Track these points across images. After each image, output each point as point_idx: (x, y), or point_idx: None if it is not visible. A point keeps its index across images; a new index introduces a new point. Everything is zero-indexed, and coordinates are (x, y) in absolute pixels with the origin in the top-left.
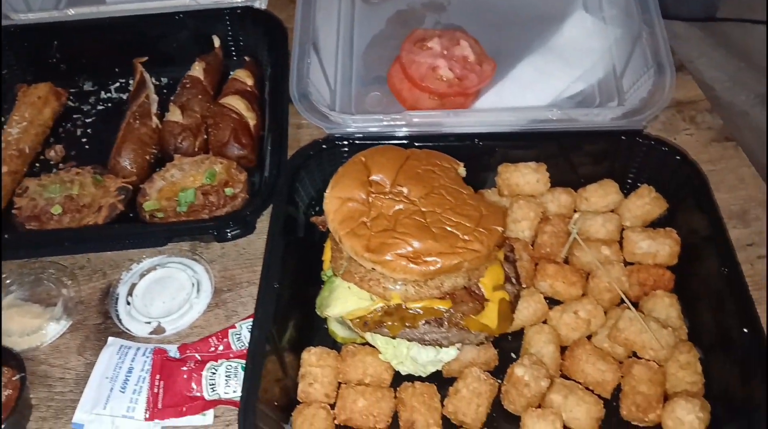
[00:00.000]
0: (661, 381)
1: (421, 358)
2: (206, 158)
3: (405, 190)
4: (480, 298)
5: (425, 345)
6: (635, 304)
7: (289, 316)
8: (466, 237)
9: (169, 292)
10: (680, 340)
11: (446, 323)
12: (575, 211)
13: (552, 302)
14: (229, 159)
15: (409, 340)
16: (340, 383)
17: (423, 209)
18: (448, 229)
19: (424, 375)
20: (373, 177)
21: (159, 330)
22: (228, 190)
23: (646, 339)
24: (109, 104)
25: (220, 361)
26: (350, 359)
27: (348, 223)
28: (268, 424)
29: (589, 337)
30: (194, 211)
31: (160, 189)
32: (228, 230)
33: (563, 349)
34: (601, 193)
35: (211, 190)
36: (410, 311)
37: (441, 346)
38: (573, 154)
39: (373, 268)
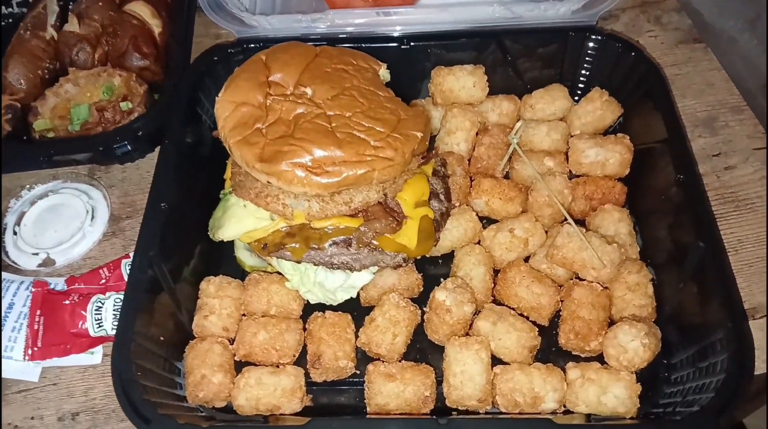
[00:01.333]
0: (604, 305)
1: (329, 284)
2: (103, 71)
3: (309, 91)
4: (397, 215)
5: (334, 269)
6: (581, 222)
7: (187, 243)
8: (377, 143)
9: (62, 221)
10: (630, 259)
11: (355, 243)
12: (519, 120)
13: (490, 223)
14: (129, 71)
15: (315, 265)
16: (245, 316)
17: (329, 113)
18: (357, 134)
19: (335, 303)
20: (273, 77)
21: (48, 262)
22: (124, 105)
23: (586, 257)
24: (10, 20)
25: (108, 294)
26: (253, 288)
27: (240, 130)
28: (155, 361)
29: (527, 260)
30: (88, 129)
31: (53, 107)
32: (116, 146)
33: (498, 273)
34: (548, 99)
35: (107, 105)
36: (315, 231)
37: (352, 269)
38: (517, 55)
39: (268, 182)
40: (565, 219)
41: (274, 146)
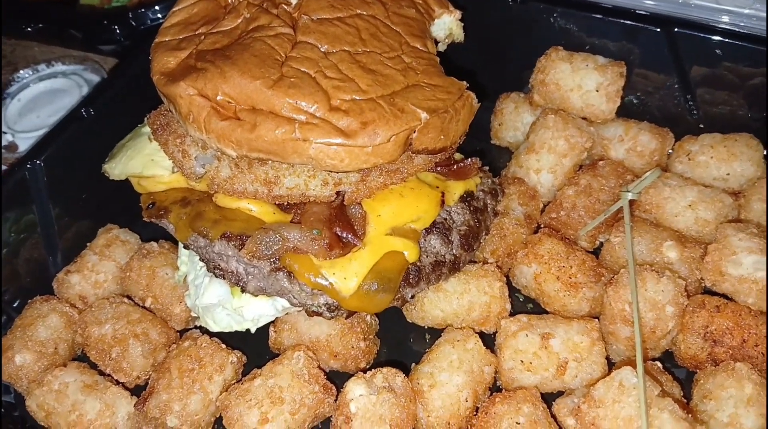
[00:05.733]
0: None
1: (201, 295)
2: None
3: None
4: (347, 233)
5: (217, 276)
6: (685, 379)
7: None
8: (339, 103)
9: (50, 108)
10: None
11: (250, 247)
12: (656, 168)
13: (536, 310)
14: None
15: (201, 260)
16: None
17: (299, 37)
18: (316, 79)
19: (213, 328)
20: None
21: (12, 146)
22: None
23: None
24: None
25: None
26: (137, 263)
27: (176, 31)
28: None
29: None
30: None
31: None
32: (101, 30)
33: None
34: (723, 154)
35: None
36: (216, 209)
37: (243, 288)
38: (697, 68)
39: (169, 110)
40: (654, 357)
41: (192, 59)
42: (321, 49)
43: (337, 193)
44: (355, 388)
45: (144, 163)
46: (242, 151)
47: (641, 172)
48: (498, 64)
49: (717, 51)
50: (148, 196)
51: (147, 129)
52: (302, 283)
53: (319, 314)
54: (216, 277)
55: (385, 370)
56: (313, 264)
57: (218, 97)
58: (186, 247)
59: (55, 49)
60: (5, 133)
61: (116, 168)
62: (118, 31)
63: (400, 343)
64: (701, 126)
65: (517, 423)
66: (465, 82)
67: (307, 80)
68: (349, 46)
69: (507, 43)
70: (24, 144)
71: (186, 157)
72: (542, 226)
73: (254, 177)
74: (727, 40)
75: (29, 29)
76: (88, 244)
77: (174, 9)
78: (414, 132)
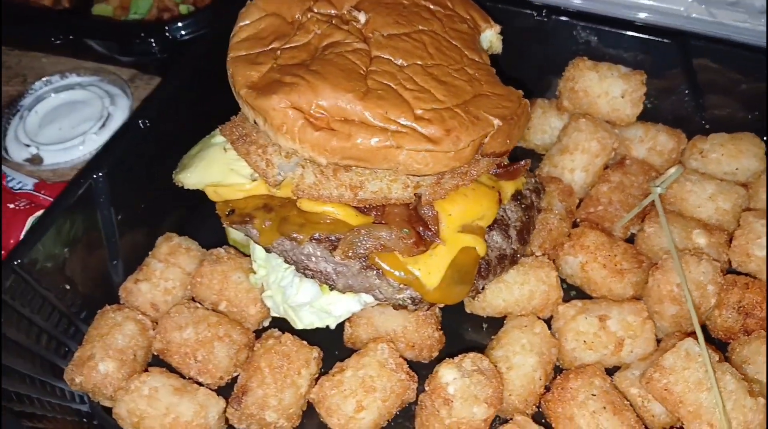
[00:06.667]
0: None
1: (291, 295)
2: None
3: (362, 17)
4: (426, 231)
5: (307, 276)
6: (721, 345)
7: (161, 182)
8: (422, 112)
9: (72, 120)
10: None
11: (342, 248)
12: (676, 165)
13: (579, 296)
14: None
15: (286, 262)
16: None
17: (374, 52)
18: (398, 91)
19: (297, 326)
20: None
21: (36, 159)
22: (183, 8)
23: (705, 402)
24: None
25: None
26: (208, 268)
27: (249, 45)
28: (42, 311)
29: (612, 372)
30: None
31: None
32: (138, 41)
33: (558, 375)
34: (731, 151)
35: (172, 6)
36: (300, 214)
37: (331, 286)
38: (705, 75)
39: (255, 122)
40: (693, 331)
41: (276, 73)
42: (396, 63)
43: (415, 194)
44: (448, 373)
45: (223, 172)
46: (334, 159)
47: (661, 169)
48: (522, 71)
49: (720, 60)
50: (225, 204)
51: (218, 139)
52: (390, 279)
53: (404, 307)
54: (306, 277)
55: (471, 355)
56: (399, 261)
57: (311, 110)
58: (267, 250)
59: (64, 60)
60: (28, 145)
61: (191, 178)
62: (154, 44)
63: (458, 333)
64: (707, 126)
65: (592, 395)
66: (521, 91)
67: (391, 92)
68: (419, 59)
69: (530, 49)
70: (49, 157)
71: (270, 165)
72: (579, 220)
73: (339, 182)
74: (729, 49)
75: (58, 41)
76: (149, 252)
77: (240, 24)
78: (486, 137)
